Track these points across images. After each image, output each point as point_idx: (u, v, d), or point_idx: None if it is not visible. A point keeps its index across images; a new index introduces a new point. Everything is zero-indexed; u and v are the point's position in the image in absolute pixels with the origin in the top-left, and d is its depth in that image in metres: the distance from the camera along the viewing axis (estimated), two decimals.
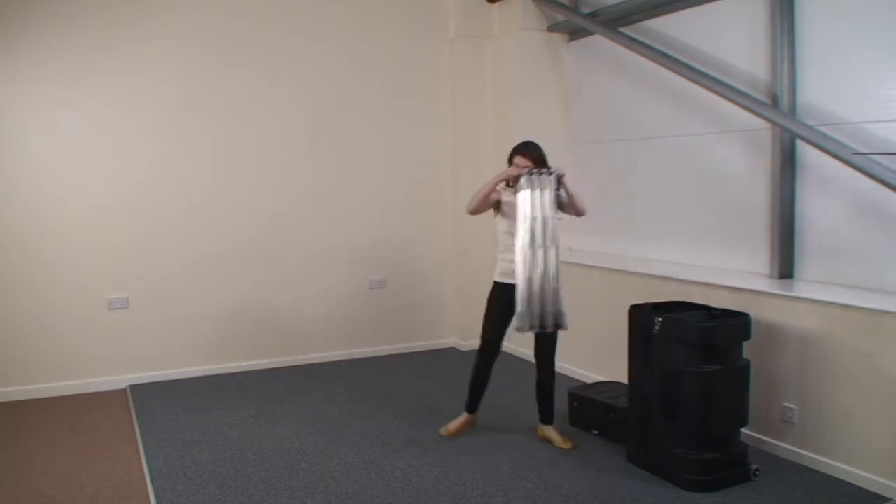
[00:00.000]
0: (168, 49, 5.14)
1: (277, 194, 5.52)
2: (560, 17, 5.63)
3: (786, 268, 4.08)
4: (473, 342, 6.19)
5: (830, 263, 3.91)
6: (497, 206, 3.90)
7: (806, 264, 4.04)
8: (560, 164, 3.80)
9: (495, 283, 3.96)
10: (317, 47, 5.59)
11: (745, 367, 3.53)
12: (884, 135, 3.55)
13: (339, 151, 5.65)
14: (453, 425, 4.09)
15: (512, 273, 3.76)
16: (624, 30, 4.98)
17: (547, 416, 4.06)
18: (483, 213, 3.94)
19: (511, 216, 3.77)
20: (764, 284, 3.95)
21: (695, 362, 3.40)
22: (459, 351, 6.03)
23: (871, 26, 3.68)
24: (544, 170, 3.71)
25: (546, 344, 3.96)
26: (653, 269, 4.61)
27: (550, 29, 5.77)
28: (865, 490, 3.33)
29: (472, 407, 4.10)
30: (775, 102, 4.03)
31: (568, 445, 3.92)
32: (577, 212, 3.85)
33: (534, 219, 3.63)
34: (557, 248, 3.70)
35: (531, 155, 3.81)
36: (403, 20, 5.89)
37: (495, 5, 5.98)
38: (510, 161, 3.87)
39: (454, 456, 3.82)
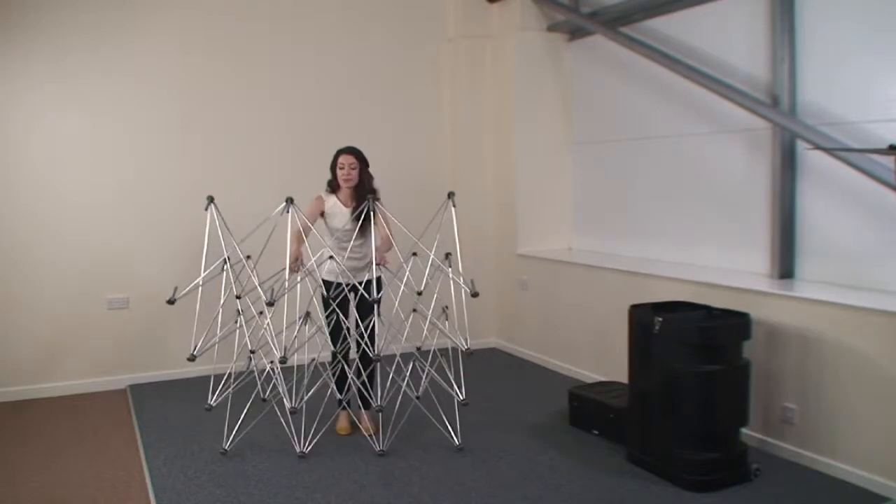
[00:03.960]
0: (168, 48, 5.15)
1: (278, 193, 5.49)
2: (560, 17, 5.63)
3: (786, 268, 4.08)
4: (474, 342, 6.21)
5: (830, 263, 3.91)
6: (322, 214, 4.11)
7: (806, 264, 4.04)
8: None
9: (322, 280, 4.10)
10: (316, 47, 5.59)
11: (745, 367, 3.53)
12: (884, 135, 3.55)
13: None
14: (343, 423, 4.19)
15: (335, 271, 4.04)
16: (624, 30, 4.98)
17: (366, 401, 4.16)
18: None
19: (332, 224, 4.09)
20: (764, 284, 3.95)
21: (695, 362, 3.40)
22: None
23: (871, 26, 3.68)
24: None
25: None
26: (653, 269, 4.61)
27: (550, 29, 5.77)
28: (865, 490, 3.33)
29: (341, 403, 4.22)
30: (775, 102, 4.03)
31: (370, 431, 4.01)
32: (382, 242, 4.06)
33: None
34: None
35: (354, 153, 4.07)
36: (403, 20, 5.89)
37: (495, 5, 5.98)
38: (333, 164, 4.08)
39: (454, 456, 3.82)
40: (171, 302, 3.81)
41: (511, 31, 5.78)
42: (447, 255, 4.02)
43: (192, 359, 3.79)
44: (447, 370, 4.02)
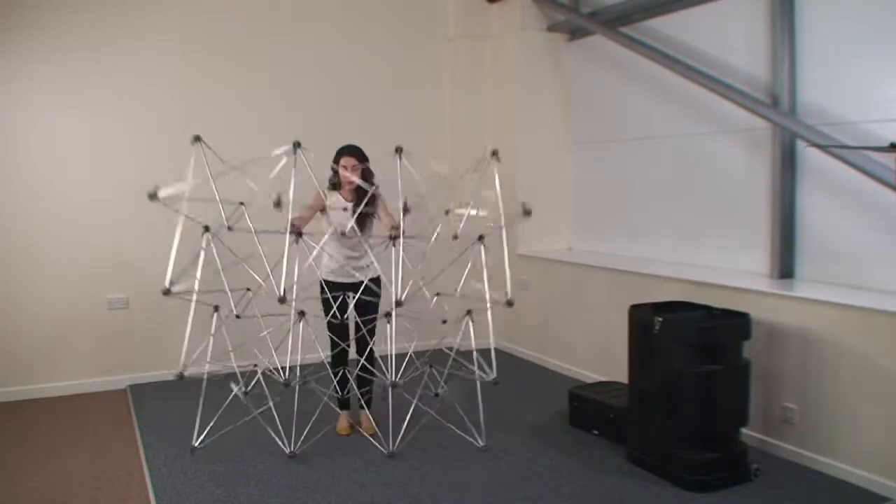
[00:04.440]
0: (168, 48, 5.15)
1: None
2: (560, 17, 5.63)
3: (786, 268, 4.08)
4: (475, 342, 6.21)
5: (830, 263, 3.91)
6: (322, 210, 4.07)
7: (806, 264, 4.04)
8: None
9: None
10: (316, 47, 5.59)
11: (745, 367, 3.53)
12: (884, 134, 3.55)
13: None
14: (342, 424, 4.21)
15: (336, 271, 4.04)
16: (624, 30, 4.98)
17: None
18: None
19: (334, 220, 4.00)
20: (764, 284, 3.95)
21: (695, 362, 3.40)
22: (460, 351, 6.01)
23: (871, 26, 3.68)
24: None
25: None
26: (653, 269, 4.61)
27: (550, 29, 5.77)
28: (865, 490, 3.33)
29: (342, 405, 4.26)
30: (775, 102, 4.03)
31: (371, 432, 4.06)
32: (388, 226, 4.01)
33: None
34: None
35: (354, 154, 4.06)
36: (403, 20, 5.89)
37: (495, 5, 5.98)
38: (336, 164, 4.06)
39: (454, 456, 3.82)
40: (152, 196, 3.69)
41: (511, 31, 5.78)
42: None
43: (166, 292, 3.71)
44: (474, 361, 3.94)
